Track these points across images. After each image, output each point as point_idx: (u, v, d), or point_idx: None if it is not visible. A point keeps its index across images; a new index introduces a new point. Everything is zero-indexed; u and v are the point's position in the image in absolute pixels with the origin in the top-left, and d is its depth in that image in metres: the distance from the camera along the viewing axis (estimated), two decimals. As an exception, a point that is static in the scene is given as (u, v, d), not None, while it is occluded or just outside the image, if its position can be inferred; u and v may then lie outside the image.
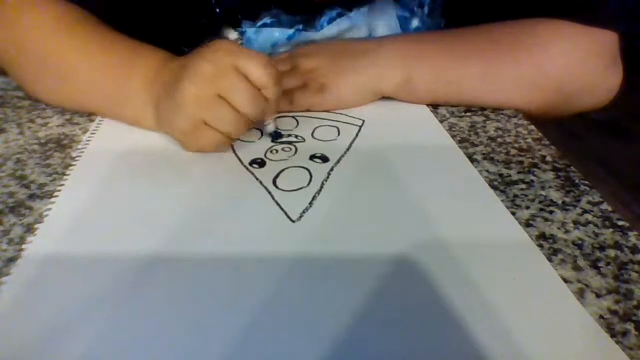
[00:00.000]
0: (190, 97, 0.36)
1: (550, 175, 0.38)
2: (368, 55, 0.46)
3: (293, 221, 0.33)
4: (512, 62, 0.44)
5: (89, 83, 0.43)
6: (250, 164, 0.38)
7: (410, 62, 0.45)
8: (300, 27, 0.52)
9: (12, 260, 0.29)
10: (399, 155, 0.40)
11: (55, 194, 0.35)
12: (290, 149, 0.41)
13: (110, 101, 0.43)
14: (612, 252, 0.31)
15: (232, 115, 0.37)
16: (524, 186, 0.37)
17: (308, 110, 0.46)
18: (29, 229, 0.32)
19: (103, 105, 0.44)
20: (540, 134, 0.44)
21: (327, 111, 0.46)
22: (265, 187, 0.36)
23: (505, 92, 0.45)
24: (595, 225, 0.33)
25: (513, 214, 0.34)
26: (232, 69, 0.36)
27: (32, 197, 0.35)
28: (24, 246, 0.30)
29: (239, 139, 0.40)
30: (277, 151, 0.40)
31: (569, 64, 0.44)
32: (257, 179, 0.37)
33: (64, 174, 0.37)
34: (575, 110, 0.46)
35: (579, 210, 0.34)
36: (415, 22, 0.52)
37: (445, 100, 0.47)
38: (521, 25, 0.45)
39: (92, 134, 0.42)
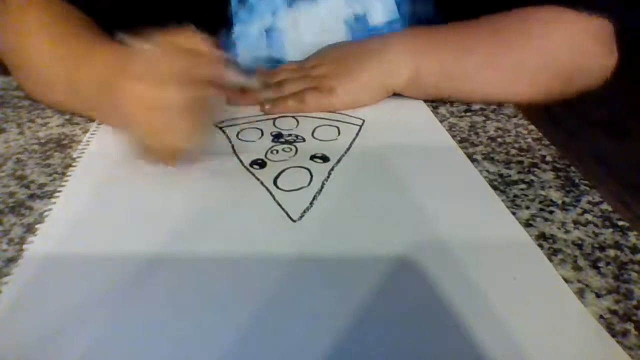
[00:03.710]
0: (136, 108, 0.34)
1: (550, 175, 0.38)
2: (375, 55, 0.46)
3: (294, 221, 0.33)
4: (516, 50, 0.45)
5: (65, 90, 0.43)
6: (251, 164, 0.38)
7: (418, 58, 0.45)
8: None
9: (12, 260, 0.29)
10: (399, 155, 0.40)
11: (56, 194, 0.35)
12: (291, 149, 0.41)
13: (85, 110, 0.43)
14: (612, 252, 0.31)
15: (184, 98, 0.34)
16: (524, 186, 0.37)
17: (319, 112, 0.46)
18: (29, 229, 0.32)
19: (81, 111, 0.44)
20: (540, 134, 0.44)
21: (332, 112, 0.46)
22: (266, 188, 0.36)
23: (510, 80, 0.45)
24: (595, 225, 0.33)
25: (513, 214, 0.34)
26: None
27: (32, 197, 0.35)
28: (24, 246, 0.30)
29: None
30: (277, 152, 0.40)
31: (569, 47, 0.45)
32: (257, 179, 0.37)
33: (64, 174, 0.37)
34: (572, 92, 0.46)
35: (579, 210, 0.34)
36: None
37: (451, 94, 0.47)
38: (523, 13, 0.45)
39: (92, 134, 0.42)
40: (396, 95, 0.47)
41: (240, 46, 0.52)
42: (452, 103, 0.49)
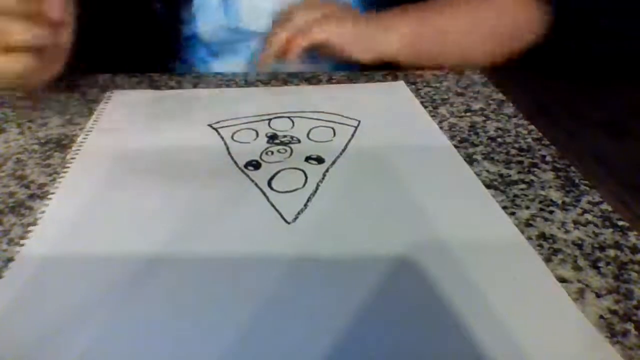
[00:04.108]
0: None
1: (550, 175, 0.38)
2: (374, 19, 0.49)
3: (288, 223, 0.32)
4: (487, 19, 0.53)
5: None
6: (246, 166, 0.38)
7: (411, 26, 0.50)
8: None
9: (11, 260, 0.29)
10: (395, 155, 0.39)
11: (49, 196, 0.35)
12: (286, 150, 0.40)
13: None
14: (612, 252, 0.31)
15: None
16: (524, 186, 0.37)
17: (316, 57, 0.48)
18: (29, 229, 0.32)
19: None
20: (540, 134, 0.44)
21: (325, 112, 0.46)
22: (261, 189, 0.36)
23: (485, 44, 0.53)
24: (595, 225, 0.33)
25: (513, 214, 0.34)
26: None
27: (32, 197, 0.35)
28: (17, 248, 0.30)
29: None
30: (272, 153, 0.40)
31: (518, 13, 0.53)
32: (252, 180, 0.37)
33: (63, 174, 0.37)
34: (517, 52, 0.53)
35: (579, 210, 0.34)
36: None
37: (440, 59, 0.52)
38: None
39: (86, 134, 0.42)
40: (392, 95, 0.47)
41: (200, 18, 0.54)
42: (452, 103, 0.49)
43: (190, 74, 0.55)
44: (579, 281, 0.28)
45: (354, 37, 0.48)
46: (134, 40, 0.54)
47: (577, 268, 0.29)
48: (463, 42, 0.52)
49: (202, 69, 0.59)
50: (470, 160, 0.40)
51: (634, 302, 0.27)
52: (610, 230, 0.33)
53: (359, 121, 0.45)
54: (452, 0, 0.52)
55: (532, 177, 0.38)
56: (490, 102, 0.50)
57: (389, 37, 0.49)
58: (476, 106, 0.49)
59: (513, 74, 0.53)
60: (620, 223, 0.33)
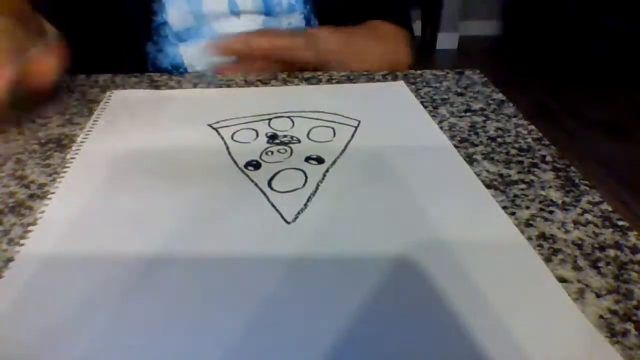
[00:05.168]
0: None
1: (550, 175, 0.38)
2: (306, 32, 0.61)
3: (288, 223, 0.32)
4: (378, 44, 0.70)
5: None
6: (246, 166, 0.38)
7: (339, 37, 0.63)
8: None
9: (12, 260, 0.29)
10: (395, 155, 0.40)
11: (49, 196, 0.35)
12: (286, 150, 0.40)
13: None
14: (612, 252, 0.31)
15: None
16: (524, 186, 0.37)
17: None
18: (29, 229, 0.32)
19: None
20: (540, 134, 0.44)
21: (325, 112, 0.46)
22: (261, 189, 0.36)
23: (375, 60, 0.67)
24: (595, 225, 0.33)
25: (513, 214, 0.34)
26: None
27: (32, 197, 0.35)
28: (17, 248, 0.30)
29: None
30: (272, 153, 0.40)
31: (398, 44, 0.72)
32: (252, 181, 0.37)
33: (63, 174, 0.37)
34: (394, 69, 0.62)
35: (579, 210, 0.34)
36: None
37: (352, 65, 0.61)
38: (376, 24, 0.70)
39: (86, 134, 0.42)
40: (392, 95, 0.47)
41: (168, 6, 0.62)
42: (452, 103, 0.49)
43: (190, 73, 0.55)
44: (579, 281, 0.28)
45: (306, 48, 0.60)
46: (110, 32, 0.64)
47: (577, 268, 0.29)
48: (363, 59, 0.67)
49: (172, 53, 0.65)
50: (470, 160, 0.40)
51: (634, 302, 0.27)
52: (610, 230, 0.33)
53: (359, 121, 0.45)
54: (362, 32, 0.70)
55: (532, 177, 0.38)
56: (490, 102, 0.50)
57: (328, 39, 0.63)
58: (476, 106, 0.49)
59: (513, 74, 0.53)
60: (620, 223, 0.33)
